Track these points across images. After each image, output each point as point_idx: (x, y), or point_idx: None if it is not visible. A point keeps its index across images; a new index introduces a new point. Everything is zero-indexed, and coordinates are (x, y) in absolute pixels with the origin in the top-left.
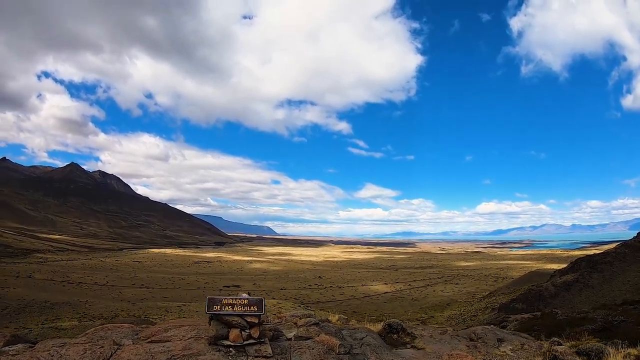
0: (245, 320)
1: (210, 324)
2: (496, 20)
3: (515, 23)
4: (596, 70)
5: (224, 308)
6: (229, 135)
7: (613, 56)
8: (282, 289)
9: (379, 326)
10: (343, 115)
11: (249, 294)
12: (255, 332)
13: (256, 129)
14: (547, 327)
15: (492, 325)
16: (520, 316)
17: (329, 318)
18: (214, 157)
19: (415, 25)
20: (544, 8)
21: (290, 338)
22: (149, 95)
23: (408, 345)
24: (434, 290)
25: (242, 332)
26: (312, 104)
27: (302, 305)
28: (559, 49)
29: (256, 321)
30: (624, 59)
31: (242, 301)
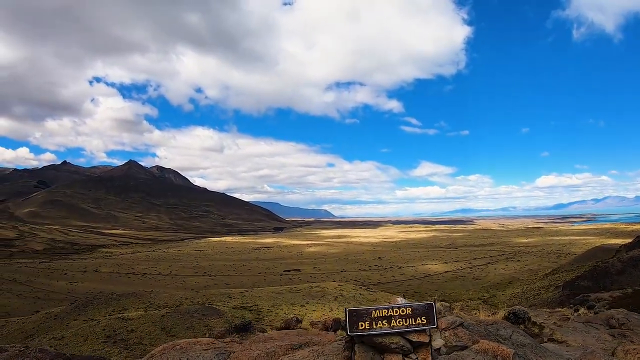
0: (409, 341)
1: (351, 351)
2: None
3: None
4: None
5: (377, 324)
6: (280, 122)
7: None
8: (342, 272)
9: (497, 315)
10: (393, 93)
11: (404, 296)
12: (425, 358)
13: (307, 114)
14: None
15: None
16: (608, 294)
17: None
18: (267, 144)
19: None
20: None
21: (439, 348)
22: (199, 90)
23: (545, 339)
24: (495, 269)
25: None
26: (361, 84)
27: (363, 287)
28: (611, 9)
29: (425, 340)
30: None
31: (401, 311)
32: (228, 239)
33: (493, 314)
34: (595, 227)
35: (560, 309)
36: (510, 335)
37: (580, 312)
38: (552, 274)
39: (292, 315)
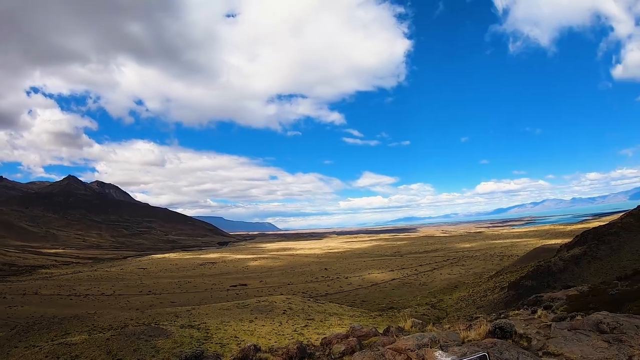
0: None
1: None
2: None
3: (499, 1)
4: (584, 43)
5: None
6: (222, 135)
7: (600, 27)
8: (289, 284)
9: (480, 329)
10: (334, 105)
11: (441, 348)
12: None
13: (249, 127)
14: (604, 304)
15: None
16: (561, 293)
17: (400, 325)
18: (209, 157)
19: (400, 9)
20: None
21: None
22: (139, 102)
23: (540, 353)
24: (441, 274)
25: None
26: (303, 96)
27: (311, 299)
28: (545, 23)
29: None
30: (611, 29)
31: None
32: (172, 255)
33: (468, 327)
34: (535, 229)
35: (535, 316)
36: (517, 358)
37: (538, 313)
38: (496, 276)
39: (249, 344)
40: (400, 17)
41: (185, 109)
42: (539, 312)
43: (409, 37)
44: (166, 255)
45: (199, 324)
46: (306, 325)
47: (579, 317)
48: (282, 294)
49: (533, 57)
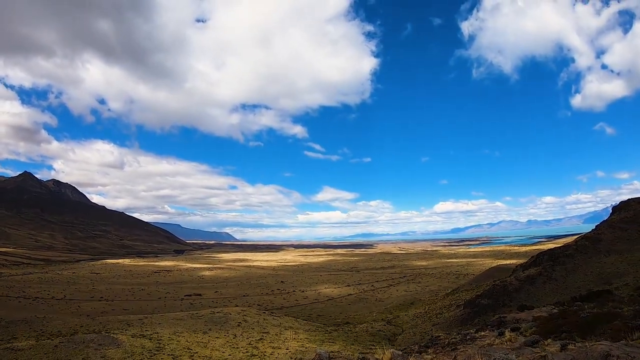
0: None
1: None
2: (448, 24)
3: (466, 27)
4: (546, 72)
5: None
6: (184, 141)
7: (562, 58)
8: (244, 296)
9: None
10: (298, 119)
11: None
12: None
13: (212, 134)
14: (576, 327)
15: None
16: (525, 314)
17: (376, 357)
18: (169, 163)
19: (370, 28)
20: (495, 12)
21: None
22: (102, 101)
23: None
24: (397, 290)
25: None
26: (267, 108)
27: (266, 312)
28: (509, 51)
29: None
30: (573, 60)
31: None
32: (126, 261)
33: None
34: (490, 249)
35: (503, 339)
36: None
37: (507, 336)
38: (452, 294)
39: None
40: (368, 35)
41: (148, 112)
42: (507, 334)
43: (376, 55)
44: (120, 260)
45: (151, 334)
46: (261, 339)
47: (549, 342)
48: (237, 306)
49: (495, 82)
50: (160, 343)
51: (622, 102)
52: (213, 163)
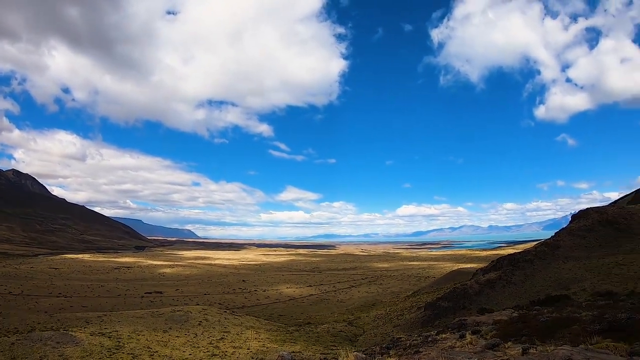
0: None
1: None
2: (418, 31)
3: (436, 35)
4: (512, 83)
5: None
6: (148, 135)
7: (528, 70)
8: (205, 294)
9: None
10: (264, 117)
11: None
12: None
13: (177, 129)
14: (536, 331)
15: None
16: (485, 317)
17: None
18: (132, 157)
19: (341, 30)
20: (465, 22)
21: None
22: (66, 90)
23: None
24: (359, 291)
25: None
26: (234, 105)
27: (228, 311)
28: (477, 61)
29: None
30: (538, 72)
31: None
32: (86, 256)
33: None
34: (451, 252)
35: (464, 341)
36: None
37: (468, 339)
38: (413, 296)
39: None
40: (339, 37)
41: (113, 104)
42: (468, 337)
43: (346, 57)
44: (80, 255)
45: (111, 332)
46: (222, 338)
47: (509, 345)
48: (198, 304)
49: (462, 90)
50: (119, 341)
51: (584, 115)
52: (177, 159)
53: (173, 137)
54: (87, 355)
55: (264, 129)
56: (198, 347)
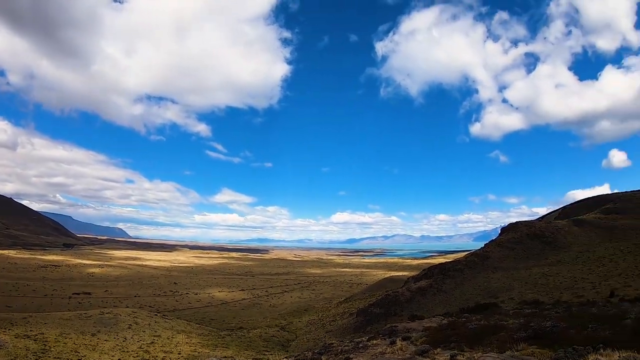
0: None
1: None
2: (364, 42)
3: (380, 47)
4: (450, 99)
5: None
6: (83, 127)
7: (467, 88)
8: (135, 296)
9: None
10: (203, 117)
11: None
12: None
13: (113, 123)
14: (464, 338)
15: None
16: (416, 324)
17: None
18: (65, 149)
19: (287, 34)
20: (410, 38)
21: None
22: (1, 72)
23: None
24: (291, 297)
25: None
26: (173, 102)
27: (158, 314)
28: (418, 76)
29: None
30: (476, 91)
31: None
32: (11, 252)
33: None
34: (384, 260)
35: (395, 347)
36: None
37: (398, 345)
38: (345, 302)
39: None
40: (285, 42)
41: (49, 91)
42: (399, 343)
43: (289, 62)
44: (4, 252)
45: (37, 335)
46: (152, 342)
47: (438, 351)
48: (127, 307)
49: (401, 103)
50: (46, 345)
51: (517, 135)
52: (111, 154)
53: (109, 131)
54: (11, 359)
55: (202, 128)
56: (127, 351)
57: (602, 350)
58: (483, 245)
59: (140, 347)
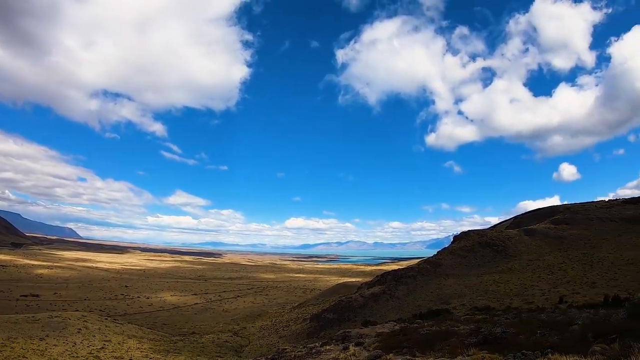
0: None
1: None
2: (325, 49)
3: (341, 55)
4: (408, 109)
5: None
6: (36, 120)
7: (424, 99)
8: (85, 300)
9: None
10: (159, 116)
11: None
12: None
13: (67, 118)
14: (416, 343)
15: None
16: (369, 330)
17: None
18: (16, 143)
19: (248, 37)
20: (371, 47)
21: None
22: None
23: None
24: (245, 302)
25: None
26: (130, 99)
27: (109, 318)
28: (376, 85)
29: None
30: (433, 102)
31: None
32: None
33: None
34: (337, 266)
35: (347, 353)
36: None
37: (351, 350)
38: (299, 307)
39: None
40: (246, 44)
41: (2, 81)
42: (351, 348)
43: (249, 65)
44: None
45: None
46: (103, 347)
47: (390, 356)
48: (77, 310)
49: (359, 111)
50: None
51: (471, 146)
52: (64, 150)
53: (62, 126)
54: None
55: (158, 128)
56: (77, 356)
57: (550, 355)
58: (436, 253)
59: (90, 353)
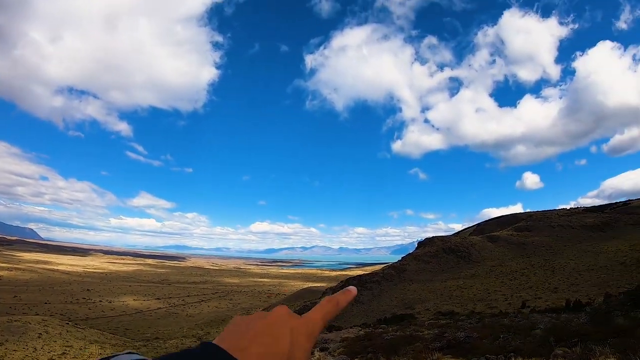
0: None
1: None
2: (294, 54)
3: (310, 60)
4: (374, 116)
5: None
6: None
7: (391, 107)
8: (46, 303)
9: None
10: (125, 115)
11: None
12: None
13: (31, 114)
14: (381, 348)
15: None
16: (334, 335)
17: None
18: None
19: (218, 38)
20: (340, 54)
21: None
22: None
23: None
24: (209, 306)
25: None
26: (95, 97)
27: (70, 323)
28: (344, 91)
29: None
30: (400, 110)
31: None
32: None
33: None
34: (302, 271)
35: (313, 358)
36: None
37: (316, 355)
38: None
39: None
40: (216, 46)
41: None
42: (317, 354)
43: (218, 67)
44: None
45: None
46: (64, 353)
47: None
48: (38, 314)
49: (326, 117)
50: None
51: (436, 154)
52: (26, 147)
53: (25, 122)
54: None
55: (123, 127)
56: None
57: (513, 359)
58: (400, 259)
59: (51, 358)
